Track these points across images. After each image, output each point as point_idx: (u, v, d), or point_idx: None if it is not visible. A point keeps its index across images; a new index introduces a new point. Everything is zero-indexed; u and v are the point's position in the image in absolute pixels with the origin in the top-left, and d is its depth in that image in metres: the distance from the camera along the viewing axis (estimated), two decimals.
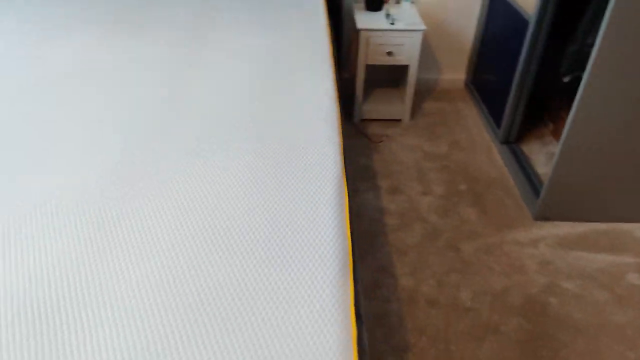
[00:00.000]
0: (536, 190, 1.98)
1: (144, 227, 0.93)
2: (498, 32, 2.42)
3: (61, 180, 1.05)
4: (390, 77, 2.77)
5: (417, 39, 2.29)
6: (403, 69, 2.52)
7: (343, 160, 1.19)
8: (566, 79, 2.14)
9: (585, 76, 1.62)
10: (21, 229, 0.93)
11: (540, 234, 1.87)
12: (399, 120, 2.56)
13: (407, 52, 2.34)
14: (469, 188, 2.10)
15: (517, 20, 2.17)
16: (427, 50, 2.74)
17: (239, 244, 0.91)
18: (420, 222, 1.92)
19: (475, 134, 2.45)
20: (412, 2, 2.56)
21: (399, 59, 2.36)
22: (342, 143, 1.26)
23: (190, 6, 1.93)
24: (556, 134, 2.31)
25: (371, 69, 2.70)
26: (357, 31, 2.32)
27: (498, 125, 2.35)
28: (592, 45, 1.59)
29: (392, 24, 2.29)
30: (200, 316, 0.77)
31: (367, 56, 2.36)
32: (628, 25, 1.49)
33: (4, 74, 1.46)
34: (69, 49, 1.60)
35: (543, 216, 1.93)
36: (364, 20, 2.32)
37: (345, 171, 1.54)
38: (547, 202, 1.89)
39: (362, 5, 2.48)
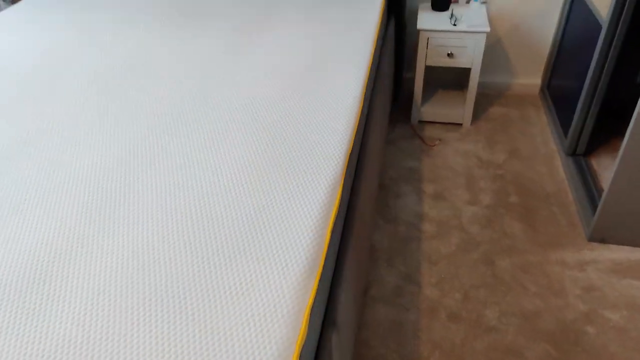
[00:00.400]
0: (595, 208, 1.81)
1: (142, 199, 1.01)
2: (575, 36, 2.23)
3: (94, 156, 1.16)
4: (454, 78, 2.67)
5: (480, 41, 2.19)
6: (468, 71, 2.42)
7: (347, 161, 1.19)
8: None
9: None
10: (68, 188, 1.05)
11: (591, 257, 1.72)
12: (458, 125, 2.46)
13: (469, 55, 2.24)
14: (520, 200, 1.98)
15: (591, 23, 1.99)
16: (499, 53, 2.60)
17: (217, 227, 0.96)
18: (458, 232, 1.84)
19: (539, 143, 2.29)
20: (484, 3, 2.44)
21: (460, 62, 2.27)
22: (352, 142, 1.26)
23: (248, 5, 2.01)
24: None
25: (433, 70, 2.63)
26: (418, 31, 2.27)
27: (566, 135, 2.18)
28: None
29: (455, 24, 2.20)
30: (155, 296, 0.83)
31: (427, 57, 2.29)
32: None
33: (77, 61, 1.63)
34: (133, 39, 1.75)
35: (598, 237, 1.77)
36: (426, 19, 2.26)
37: (383, 172, 1.53)
38: (604, 221, 1.73)
39: (429, 4, 2.42)
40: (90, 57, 1.67)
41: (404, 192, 2.05)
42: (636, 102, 2.05)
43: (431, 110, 2.47)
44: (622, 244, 1.75)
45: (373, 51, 1.70)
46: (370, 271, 1.70)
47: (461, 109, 2.45)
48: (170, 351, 0.75)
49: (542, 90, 2.65)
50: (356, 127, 1.32)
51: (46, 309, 0.83)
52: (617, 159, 1.60)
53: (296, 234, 0.96)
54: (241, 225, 0.98)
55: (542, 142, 2.31)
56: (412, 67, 2.70)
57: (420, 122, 2.50)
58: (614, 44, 1.83)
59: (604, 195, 1.68)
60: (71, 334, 0.79)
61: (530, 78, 2.67)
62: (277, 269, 0.89)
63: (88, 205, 1.04)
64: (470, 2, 2.39)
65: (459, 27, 2.18)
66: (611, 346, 1.43)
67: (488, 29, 2.15)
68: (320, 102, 1.37)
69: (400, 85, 2.67)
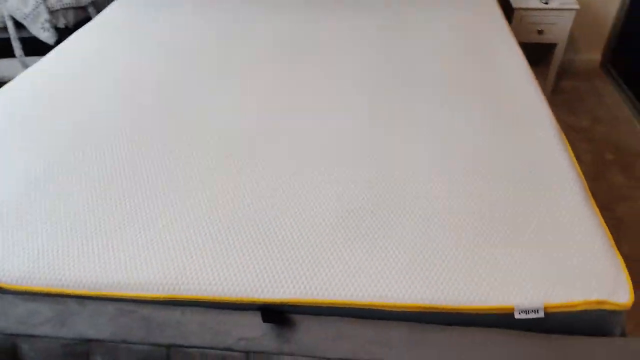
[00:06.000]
0: None
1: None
2: None
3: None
4: (533, 54, 2.94)
5: (569, 18, 2.45)
6: (546, 48, 2.69)
7: None
8: None
9: None
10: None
11: None
12: None
13: (557, 31, 2.51)
14: (617, 157, 2.26)
15: None
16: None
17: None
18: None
19: (616, 111, 2.59)
20: None
21: (549, 38, 2.53)
22: None
23: None
24: None
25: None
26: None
27: None
28: None
29: (546, 2, 2.46)
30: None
31: (519, 34, 2.54)
32: None
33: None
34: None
35: None
36: None
37: None
38: None
39: None
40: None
41: None
42: None
43: None
44: None
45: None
46: None
47: (542, 83, 2.70)
48: None
49: (602, 64, 2.94)
50: None
51: None
52: None
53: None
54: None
55: (618, 110, 2.60)
56: None
57: None
58: None
59: None
60: None
61: (590, 53, 2.95)
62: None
63: None
64: None
65: (550, 5, 2.44)
66: None
67: (577, 6, 2.42)
68: None
69: None
